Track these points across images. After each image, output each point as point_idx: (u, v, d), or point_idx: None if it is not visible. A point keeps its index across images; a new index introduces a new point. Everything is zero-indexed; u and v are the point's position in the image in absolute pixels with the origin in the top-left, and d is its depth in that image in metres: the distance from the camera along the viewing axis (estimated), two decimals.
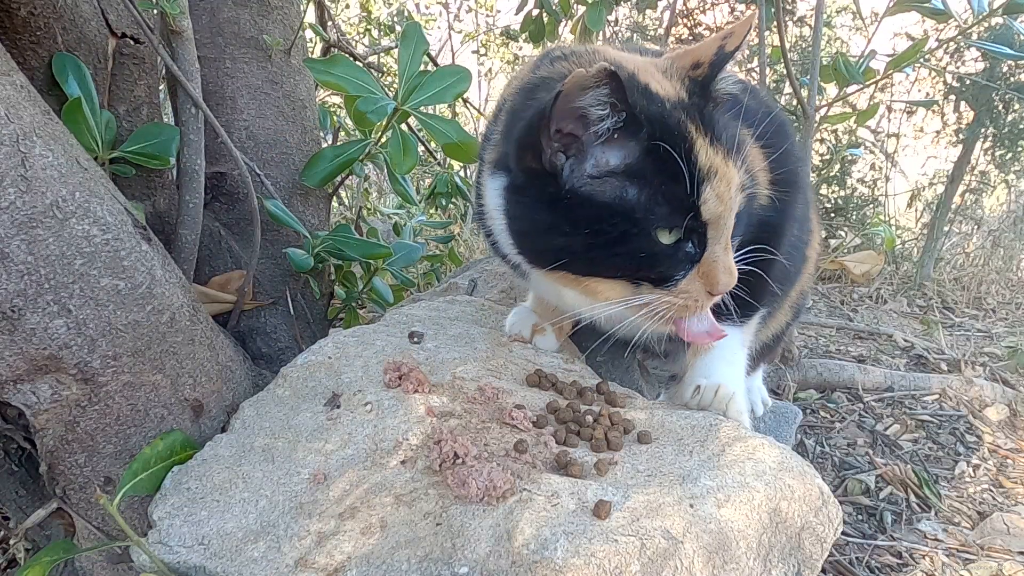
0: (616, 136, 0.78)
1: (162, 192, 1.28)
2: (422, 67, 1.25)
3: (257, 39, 1.38)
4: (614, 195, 0.79)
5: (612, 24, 3.61)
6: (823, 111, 1.95)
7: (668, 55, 0.89)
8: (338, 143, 1.75)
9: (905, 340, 2.37)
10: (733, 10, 3.42)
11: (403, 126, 1.30)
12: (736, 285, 0.94)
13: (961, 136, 3.18)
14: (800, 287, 1.23)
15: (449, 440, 0.82)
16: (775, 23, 1.80)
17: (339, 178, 1.46)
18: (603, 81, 0.73)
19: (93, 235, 0.85)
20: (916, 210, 3.61)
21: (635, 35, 3.69)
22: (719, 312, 0.99)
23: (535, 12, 2.30)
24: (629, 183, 0.79)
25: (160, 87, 1.32)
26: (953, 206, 3.24)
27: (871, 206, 3.44)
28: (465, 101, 2.56)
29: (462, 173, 2.38)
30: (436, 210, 2.42)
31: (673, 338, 1.11)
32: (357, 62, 1.32)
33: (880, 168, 3.50)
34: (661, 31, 3.54)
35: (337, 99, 2.96)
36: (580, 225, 0.80)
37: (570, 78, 0.73)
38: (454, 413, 0.91)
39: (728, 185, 0.80)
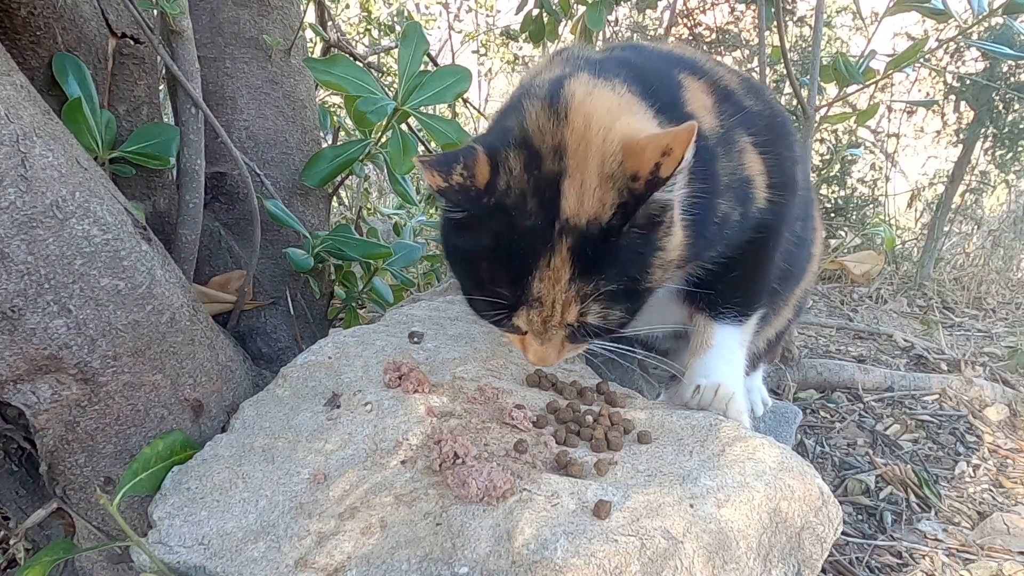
0: (465, 224, 0.79)
1: (162, 192, 1.28)
2: (422, 67, 1.25)
3: (257, 39, 1.38)
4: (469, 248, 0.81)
5: (612, 24, 3.61)
6: (823, 111, 1.95)
7: (635, 140, 0.75)
8: (338, 143, 1.75)
9: (905, 340, 2.37)
10: (733, 10, 3.42)
11: (403, 126, 1.30)
12: (734, 285, 0.96)
13: (961, 136, 3.18)
14: (804, 286, 1.23)
15: (449, 440, 0.82)
16: (775, 23, 1.80)
17: (339, 178, 1.45)
18: (455, 191, 0.74)
19: (93, 235, 0.85)
20: (916, 210, 3.61)
21: (635, 35, 3.69)
22: (718, 311, 0.99)
23: (535, 12, 2.29)
24: (477, 258, 0.80)
25: (160, 87, 1.32)
26: (953, 206, 3.24)
27: (871, 206, 3.44)
28: (465, 101, 2.56)
29: None
30: (436, 210, 2.42)
31: (680, 336, 1.12)
32: (357, 62, 1.32)
33: (880, 168, 3.50)
34: (661, 31, 3.54)
35: (337, 99, 2.95)
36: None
37: (433, 177, 0.74)
38: (454, 413, 0.91)
39: (544, 321, 0.79)
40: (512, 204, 0.76)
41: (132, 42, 1.18)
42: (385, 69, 2.79)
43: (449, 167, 0.75)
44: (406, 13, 4.01)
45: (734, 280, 0.97)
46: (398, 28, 3.56)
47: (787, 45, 2.31)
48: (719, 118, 0.92)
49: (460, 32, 4.23)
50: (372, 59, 2.86)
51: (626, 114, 0.79)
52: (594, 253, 0.75)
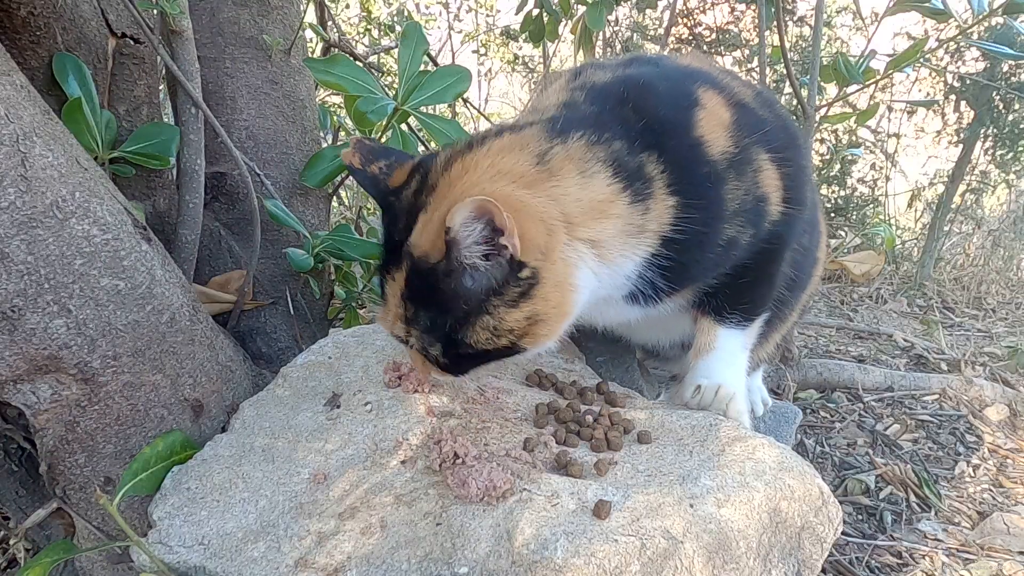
0: None
1: (162, 192, 1.28)
2: (422, 67, 1.25)
3: (257, 39, 1.38)
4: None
5: (612, 24, 3.61)
6: (823, 111, 1.95)
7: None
8: (338, 143, 1.75)
9: (905, 340, 2.37)
10: (733, 10, 3.42)
11: (403, 126, 1.30)
12: (742, 292, 0.98)
13: (961, 136, 3.17)
14: (810, 291, 1.23)
15: (449, 440, 0.82)
16: (775, 23, 1.80)
17: (339, 178, 1.45)
18: (364, 175, 0.89)
19: (93, 235, 0.85)
20: (916, 210, 3.60)
21: (635, 35, 3.69)
22: (723, 315, 1.00)
23: (535, 12, 2.29)
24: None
25: (160, 87, 1.32)
26: (953, 206, 3.23)
27: (871, 206, 3.44)
28: (465, 101, 2.56)
29: None
30: None
31: (684, 345, 1.12)
32: (357, 62, 1.31)
33: (880, 168, 3.50)
34: (661, 31, 3.54)
35: (337, 99, 2.95)
36: None
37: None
38: (454, 413, 0.91)
39: (384, 321, 0.87)
40: (398, 211, 0.85)
41: (132, 42, 1.18)
42: (385, 69, 2.79)
43: (375, 158, 0.89)
44: (406, 13, 4.01)
45: (742, 287, 0.98)
46: (398, 28, 3.56)
47: (787, 45, 2.31)
48: (735, 137, 0.91)
49: (460, 32, 4.23)
50: (372, 59, 2.86)
51: (515, 183, 0.80)
52: (419, 285, 0.81)
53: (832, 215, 3.34)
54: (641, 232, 0.86)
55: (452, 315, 0.80)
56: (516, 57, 4.22)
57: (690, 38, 3.44)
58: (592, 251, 0.84)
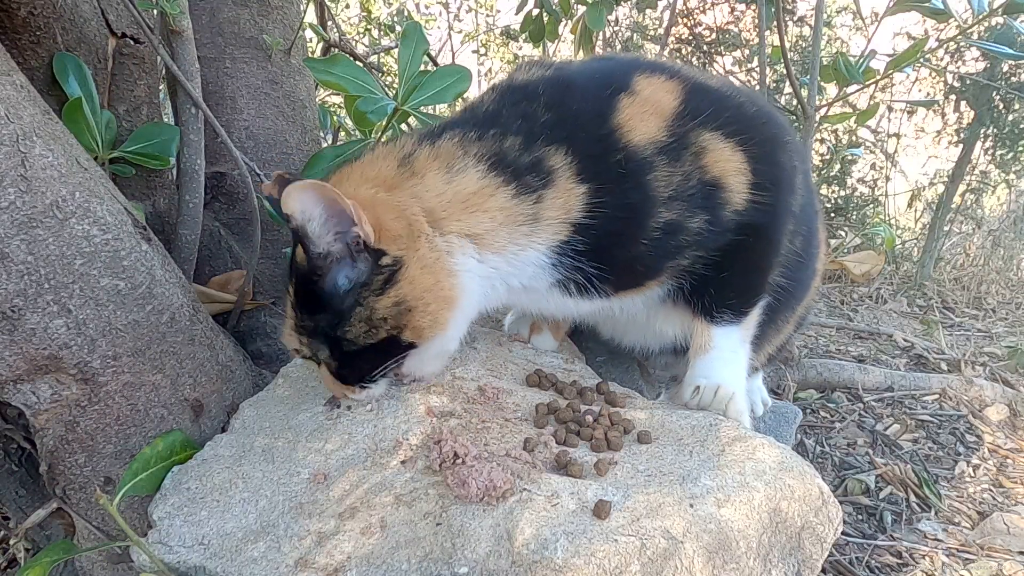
0: None
1: (162, 192, 1.28)
2: (422, 67, 1.25)
3: (257, 39, 1.38)
4: None
5: (612, 24, 3.61)
6: (823, 111, 1.95)
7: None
8: (338, 143, 1.75)
9: (905, 340, 2.37)
10: (733, 10, 3.42)
11: (403, 126, 1.30)
12: (726, 288, 0.97)
13: (961, 136, 3.18)
14: (807, 302, 1.22)
15: (449, 440, 0.82)
16: (775, 23, 1.80)
17: None
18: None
19: (93, 235, 0.85)
20: (916, 210, 3.61)
21: (635, 35, 3.69)
22: (713, 315, 0.99)
23: (535, 12, 2.29)
24: None
25: (160, 87, 1.32)
26: (953, 206, 3.24)
27: (871, 206, 3.44)
28: (465, 101, 2.56)
29: None
30: None
31: (678, 351, 1.11)
32: (357, 62, 1.31)
33: (880, 168, 3.50)
34: (661, 31, 3.54)
35: (337, 99, 2.95)
36: None
37: None
38: (454, 413, 0.91)
39: (284, 335, 0.91)
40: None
41: (132, 42, 1.18)
42: (385, 69, 2.79)
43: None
44: (406, 13, 4.01)
45: (724, 282, 0.97)
46: (398, 28, 3.56)
47: (787, 45, 2.31)
48: (671, 121, 0.90)
49: (460, 32, 4.24)
50: (372, 59, 2.86)
51: (378, 186, 0.86)
52: (303, 291, 0.86)
53: (832, 215, 3.34)
54: (536, 221, 0.87)
55: (331, 312, 0.84)
56: (516, 57, 4.22)
57: (690, 38, 3.44)
58: (470, 241, 0.86)
